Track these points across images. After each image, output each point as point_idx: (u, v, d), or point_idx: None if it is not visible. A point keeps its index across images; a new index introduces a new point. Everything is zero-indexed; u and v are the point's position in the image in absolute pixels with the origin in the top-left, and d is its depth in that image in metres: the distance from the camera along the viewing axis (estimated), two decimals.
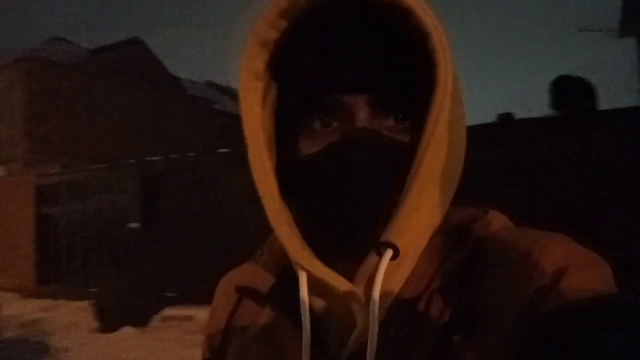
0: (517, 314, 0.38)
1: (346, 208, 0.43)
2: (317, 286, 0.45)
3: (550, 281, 0.38)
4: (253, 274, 0.55)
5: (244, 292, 0.54)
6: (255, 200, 0.46)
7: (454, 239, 0.46)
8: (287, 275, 0.50)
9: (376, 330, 0.41)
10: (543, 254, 0.40)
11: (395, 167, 0.44)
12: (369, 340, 0.41)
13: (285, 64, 0.48)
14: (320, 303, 0.46)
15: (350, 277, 0.44)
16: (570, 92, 4.34)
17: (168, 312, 5.34)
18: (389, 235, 0.42)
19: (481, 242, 0.45)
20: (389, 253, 0.42)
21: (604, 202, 3.78)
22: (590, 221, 3.75)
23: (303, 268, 0.44)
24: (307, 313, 0.44)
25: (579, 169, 3.93)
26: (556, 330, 0.35)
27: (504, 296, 0.40)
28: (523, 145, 4.18)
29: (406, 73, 0.45)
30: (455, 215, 0.48)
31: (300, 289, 0.44)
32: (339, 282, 0.43)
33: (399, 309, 0.44)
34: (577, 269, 0.39)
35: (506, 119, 4.52)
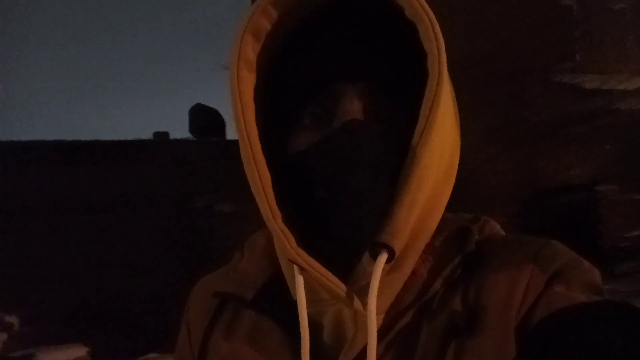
0: (518, 317, 0.39)
1: (338, 205, 0.42)
2: (309, 289, 0.43)
3: (549, 284, 0.40)
4: (234, 278, 0.52)
5: (225, 298, 0.51)
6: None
7: (455, 241, 0.46)
8: (273, 279, 0.48)
9: (374, 338, 0.39)
10: (540, 259, 0.42)
11: (391, 161, 0.43)
12: (367, 350, 0.39)
13: (276, 57, 0.47)
14: (310, 307, 0.43)
15: (344, 280, 0.42)
16: (204, 120, 5.26)
17: None
18: (384, 236, 0.40)
19: (479, 246, 0.45)
20: (384, 255, 0.40)
21: None
22: None
23: (300, 268, 0.42)
24: (305, 319, 0.41)
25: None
26: (557, 332, 0.35)
27: (504, 299, 0.40)
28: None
29: (403, 65, 0.45)
30: (451, 219, 0.48)
31: (297, 292, 0.42)
32: (337, 285, 0.41)
33: (397, 314, 0.43)
34: (573, 273, 0.41)
35: (162, 136, 5.19)
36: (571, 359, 0.34)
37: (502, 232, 0.50)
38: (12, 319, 4.29)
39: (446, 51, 0.42)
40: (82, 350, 4.06)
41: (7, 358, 4.24)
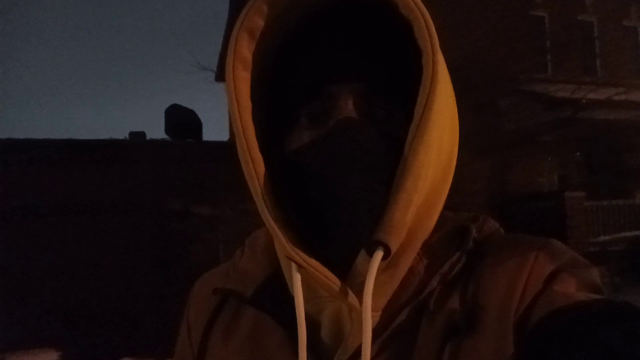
0: (517, 316, 0.39)
1: (335, 204, 0.42)
2: (308, 286, 0.43)
3: (548, 283, 0.40)
4: (234, 275, 0.52)
5: (225, 294, 0.51)
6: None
7: (452, 239, 0.46)
8: (272, 277, 0.48)
9: (369, 335, 0.40)
10: (539, 258, 0.42)
11: (388, 160, 0.43)
12: (362, 346, 0.39)
13: (273, 57, 0.47)
14: (309, 305, 0.43)
15: (341, 277, 0.42)
16: (180, 121, 5.36)
17: None
18: (380, 234, 0.40)
19: (478, 244, 0.45)
20: (379, 252, 0.40)
21: None
22: None
23: (297, 265, 0.42)
24: (303, 315, 0.42)
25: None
26: (557, 331, 0.36)
27: (503, 298, 0.41)
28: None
29: (398, 64, 0.45)
30: (450, 217, 0.49)
31: (295, 288, 0.42)
32: (333, 281, 0.41)
33: (393, 312, 0.43)
34: (572, 272, 0.41)
35: (138, 136, 5.32)
36: (571, 359, 0.35)
37: (502, 231, 0.49)
38: None
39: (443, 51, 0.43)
40: (53, 356, 4.02)
41: None
